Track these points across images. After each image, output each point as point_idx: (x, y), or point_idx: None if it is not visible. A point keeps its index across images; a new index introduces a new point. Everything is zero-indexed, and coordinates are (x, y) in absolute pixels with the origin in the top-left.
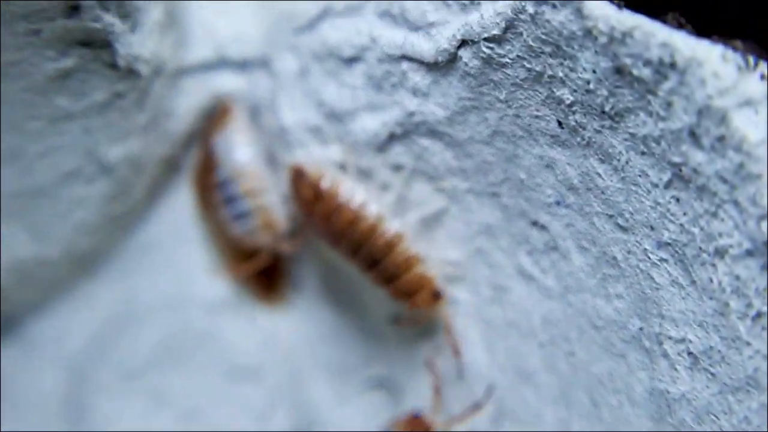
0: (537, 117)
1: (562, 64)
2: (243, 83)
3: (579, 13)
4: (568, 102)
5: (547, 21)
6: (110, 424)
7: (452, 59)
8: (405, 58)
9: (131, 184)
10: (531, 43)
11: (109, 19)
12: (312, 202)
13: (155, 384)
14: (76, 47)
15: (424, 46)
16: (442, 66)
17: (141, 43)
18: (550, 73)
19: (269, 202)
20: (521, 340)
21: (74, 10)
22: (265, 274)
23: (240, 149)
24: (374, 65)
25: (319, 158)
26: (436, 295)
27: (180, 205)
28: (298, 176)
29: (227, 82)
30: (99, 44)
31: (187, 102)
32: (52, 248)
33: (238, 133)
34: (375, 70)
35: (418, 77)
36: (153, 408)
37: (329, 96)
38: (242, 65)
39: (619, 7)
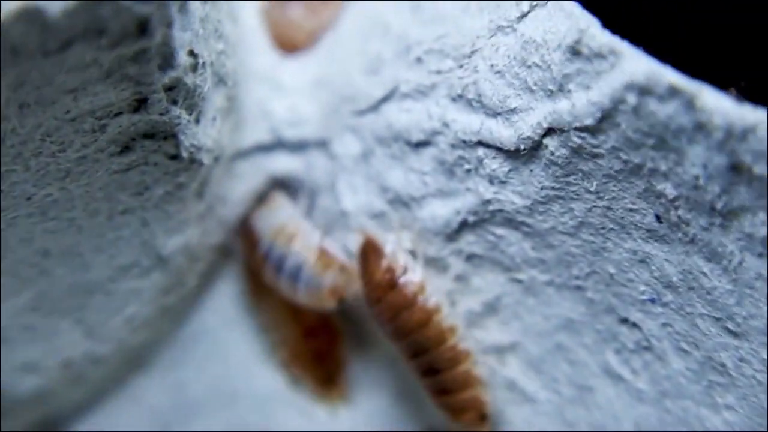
0: (632, 210)
1: (666, 157)
2: (300, 165)
3: (691, 106)
4: (670, 197)
5: (652, 113)
6: None
7: (536, 147)
8: (481, 144)
9: (185, 274)
10: (630, 134)
11: (176, 111)
12: (384, 288)
13: None
14: (140, 140)
15: (504, 133)
16: (524, 154)
17: (204, 132)
18: (650, 165)
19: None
20: None
21: (142, 103)
22: (323, 368)
23: (276, 214)
24: (446, 150)
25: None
26: (483, 418)
27: (231, 292)
28: (374, 253)
29: (283, 164)
30: (163, 136)
31: (242, 186)
32: (105, 345)
33: (277, 207)
34: (446, 156)
35: (496, 164)
36: None
37: (394, 181)
38: (299, 146)
39: (738, 99)
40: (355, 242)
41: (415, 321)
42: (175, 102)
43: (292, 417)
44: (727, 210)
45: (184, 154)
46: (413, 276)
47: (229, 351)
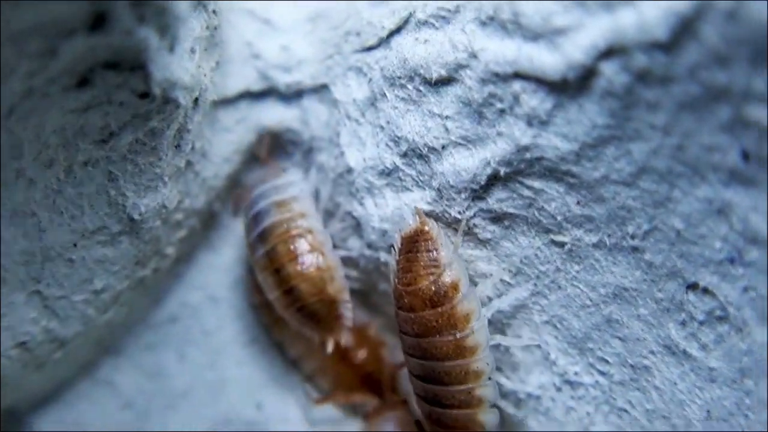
0: (710, 148)
1: (765, 72)
2: (295, 116)
3: None
4: (764, 123)
5: (752, 14)
6: None
7: (587, 76)
8: (518, 76)
9: (162, 243)
10: (719, 46)
11: (144, 32)
12: (424, 303)
13: None
14: (101, 71)
15: (547, 60)
16: (572, 85)
17: (180, 65)
18: (742, 85)
19: (314, 227)
20: None
21: (100, 20)
22: (373, 388)
23: (283, 192)
24: (473, 88)
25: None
26: None
27: (216, 266)
28: (423, 237)
29: (276, 116)
30: (129, 66)
31: (228, 140)
32: (69, 324)
33: (284, 183)
34: (474, 94)
35: (536, 101)
36: None
37: (409, 129)
38: (294, 94)
39: None
40: (401, 222)
41: (444, 351)
42: (142, 19)
43: (287, 405)
44: None
45: (156, 91)
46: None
47: (213, 333)
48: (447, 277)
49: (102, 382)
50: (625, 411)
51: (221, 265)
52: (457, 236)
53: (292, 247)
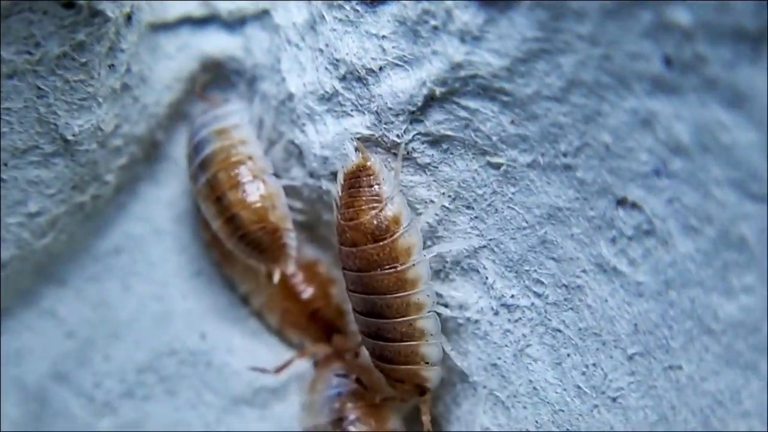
0: (634, 55)
1: None
2: (238, 45)
3: None
4: (686, 25)
5: None
6: None
7: None
8: None
9: (101, 168)
10: None
11: None
12: (366, 238)
13: (133, 418)
14: None
15: None
16: None
17: None
18: None
19: (254, 154)
20: (603, 353)
21: None
22: (322, 325)
23: (225, 120)
24: (408, 5)
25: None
26: (422, 391)
27: (161, 200)
28: (366, 185)
29: (218, 44)
30: None
31: (168, 67)
32: (4, 248)
33: (226, 112)
34: (409, 12)
35: (468, 15)
36: None
37: (347, 52)
38: (237, 22)
39: None
40: (343, 157)
41: (386, 284)
42: None
43: (232, 336)
44: (760, 32)
45: (81, 1)
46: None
47: (158, 265)
48: (388, 211)
49: (45, 311)
50: (559, 331)
51: (166, 198)
52: (397, 161)
53: (232, 173)
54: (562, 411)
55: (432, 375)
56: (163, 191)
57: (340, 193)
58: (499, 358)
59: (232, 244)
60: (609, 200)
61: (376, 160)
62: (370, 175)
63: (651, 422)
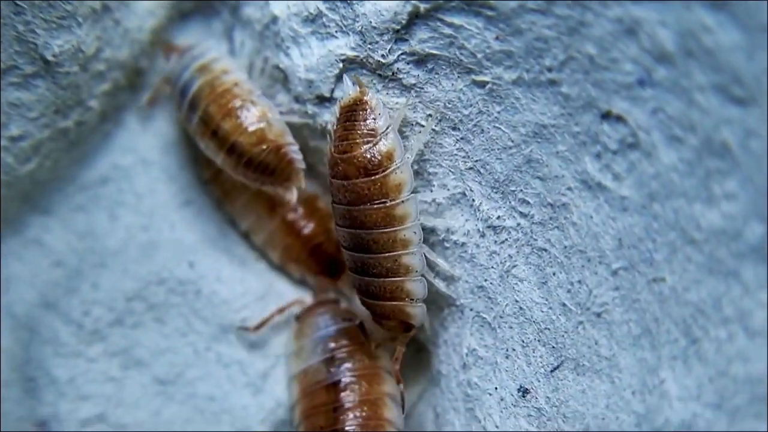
0: None
1: None
2: None
3: None
4: None
5: None
6: (71, 390)
7: None
8: None
9: (83, 92)
10: None
11: None
12: (359, 171)
13: (123, 346)
14: None
15: None
16: None
17: None
18: None
19: (239, 79)
20: (588, 269)
21: None
22: (323, 260)
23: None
24: None
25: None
26: (407, 328)
27: (147, 130)
28: (361, 107)
29: None
30: None
31: None
32: None
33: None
34: None
35: None
36: (120, 374)
37: None
38: None
39: None
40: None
41: (374, 219)
42: None
43: (220, 264)
44: None
45: None
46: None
47: (145, 195)
48: (382, 146)
49: (32, 240)
50: (545, 250)
51: (152, 128)
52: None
53: (222, 103)
54: (548, 329)
55: (417, 312)
56: (149, 121)
57: (335, 126)
58: (486, 280)
59: (241, 174)
60: (594, 114)
61: (373, 96)
62: (366, 110)
63: (635, 335)
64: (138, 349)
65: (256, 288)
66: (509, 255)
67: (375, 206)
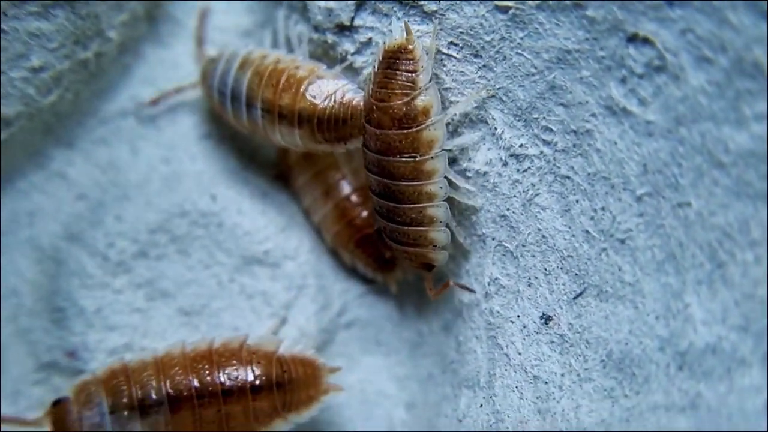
0: None
1: None
2: None
3: None
4: None
5: None
6: (98, 320)
7: None
8: None
9: (101, 21)
10: None
11: None
12: (393, 122)
13: (148, 277)
14: None
15: None
16: None
17: None
18: None
19: (278, 55)
20: (612, 196)
21: None
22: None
23: None
24: None
25: None
26: (429, 268)
27: (167, 63)
28: (405, 56)
29: None
30: None
31: None
32: (10, 104)
33: None
34: None
35: None
36: (145, 305)
37: None
38: None
39: None
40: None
41: (402, 172)
42: None
43: (241, 197)
44: None
45: None
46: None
47: (165, 128)
48: (420, 101)
49: (55, 173)
50: (568, 178)
51: (171, 60)
52: (431, 40)
53: (273, 83)
54: (571, 257)
55: (439, 257)
56: (168, 52)
57: (376, 70)
58: (508, 209)
59: (323, 141)
60: (619, 38)
61: (419, 45)
62: (410, 59)
63: (659, 261)
64: (162, 281)
65: (278, 220)
66: (532, 183)
67: (404, 159)
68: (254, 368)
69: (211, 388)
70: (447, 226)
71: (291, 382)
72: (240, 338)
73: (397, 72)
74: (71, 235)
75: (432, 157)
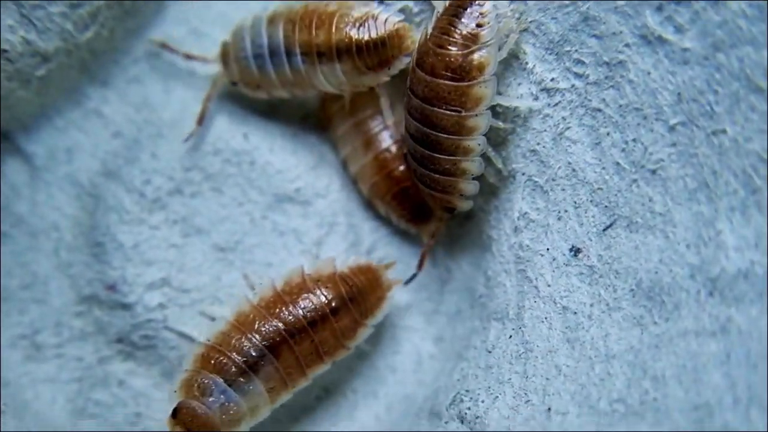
0: None
1: None
2: None
3: None
4: None
5: None
6: (136, 255)
7: None
8: None
9: None
10: None
11: None
12: (447, 71)
13: (182, 215)
14: None
15: None
16: None
17: None
18: None
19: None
20: (644, 127)
21: None
22: (410, 204)
23: None
24: None
25: None
26: (450, 211)
27: (199, 2)
28: (476, 6)
29: None
30: None
31: None
32: (49, 39)
33: None
34: None
35: None
36: (181, 241)
37: None
38: None
39: None
40: None
41: (444, 124)
42: None
43: (275, 137)
44: None
45: None
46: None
47: (197, 67)
48: (478, 56)
49: (91, 111)
50: (599, 110)
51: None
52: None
53: (306, 24)
54: (601, 189)
55: (464, 205)
56: None
57: (440, 14)
58: (538, 144)
59: (366, 72)
60: None
61: (491, 2)
62: (477, 12)
63: (691, 190)
64: (197, 218)
65: (308, 159)
66: (562, 117)
67: (449, 112)
68: (325, 293)
69: (297, 326)
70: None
71: (360, 293)
72: (297, 271)
73: (462, 21)
74: (108, 171)
75: (476, 115)
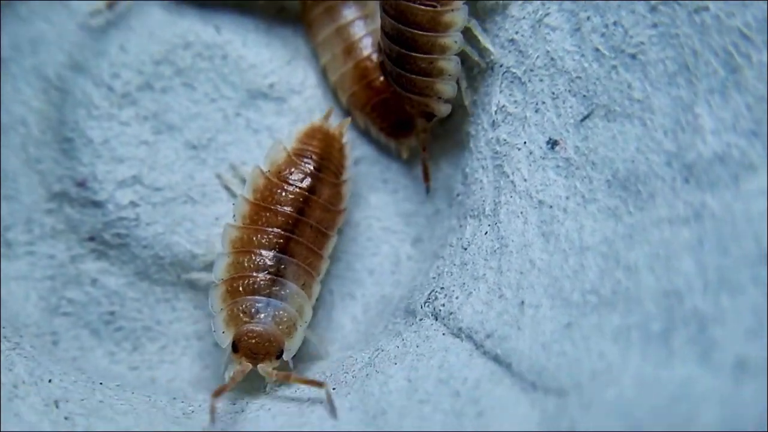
0: None
1: None
2: None
3: None
4: None
5: None
6: (106, 151)
7: None
8: None
9: None
10: None
11: None
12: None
13: (153, 111)
14: None
15: None
16: None
17: None
18: None
19: None
20: (624, 8)
21: None
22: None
23: None
24: None
25: None
26: (428, 117)
27: None
28: None
29: None
30: None
31: None
32: None
33: None
34: None
35: None
36: (152, 137)
37: None
38: None
39: None
40: None
41: (419, 19)
42: None
43: (248, 30)
44: None
45: None
46: None
47: None
48: None
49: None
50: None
51: None
52: None
53: None
54: (579, 78)
55: (442, 108)
56: None
57: None
58: (517, 33)
59: None
60: None
61: None
62: None
63: (670, 73)
64: (169, 114)
65: (283, 53)
66: (542, 3)
67: (424, 7)
68: (294, 181)
69: (290, 221)
70: (456, 81)
71: (322, 158)
72: (257, 172)
73: None
74: (75, 64)
75: (452, 9)
